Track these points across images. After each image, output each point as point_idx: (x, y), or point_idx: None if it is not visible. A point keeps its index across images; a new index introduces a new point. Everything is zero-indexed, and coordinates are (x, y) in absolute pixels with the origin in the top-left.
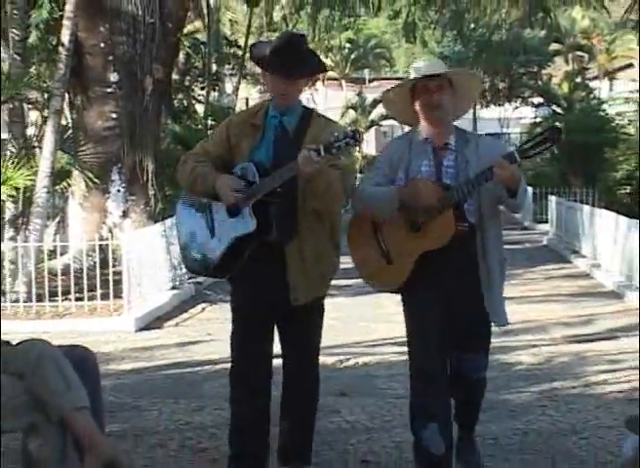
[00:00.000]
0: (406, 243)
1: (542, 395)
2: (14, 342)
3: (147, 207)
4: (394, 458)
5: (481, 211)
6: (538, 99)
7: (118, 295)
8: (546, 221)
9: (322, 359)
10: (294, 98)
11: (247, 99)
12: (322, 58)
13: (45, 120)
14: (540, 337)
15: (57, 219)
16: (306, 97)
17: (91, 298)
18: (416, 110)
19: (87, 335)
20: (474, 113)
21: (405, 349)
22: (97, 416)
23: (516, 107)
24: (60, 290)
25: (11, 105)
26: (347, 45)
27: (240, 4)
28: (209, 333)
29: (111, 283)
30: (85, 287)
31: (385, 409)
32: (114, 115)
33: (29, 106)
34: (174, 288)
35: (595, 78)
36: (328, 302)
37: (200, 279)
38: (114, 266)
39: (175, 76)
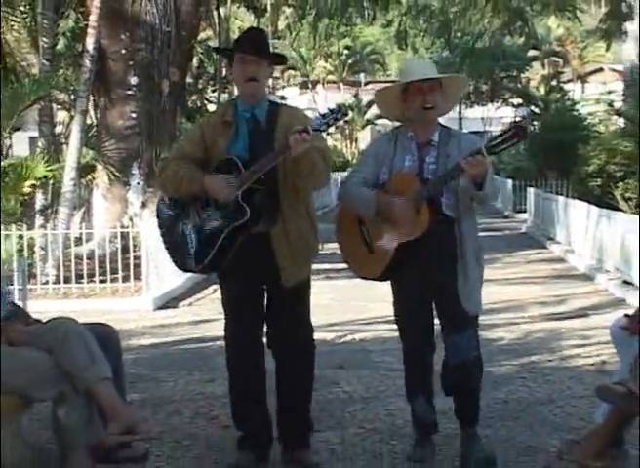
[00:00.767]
0: (386, 233)
1: (521, 368)
2: (44, 320)
3: None
4: (388, 425)
5: (458, 204)
6: (517, 100)
7: (138, 278)
8: (525, 211)
9: (322, 335)
10: (261, 87)
11: None
12: (321, 62)
13: (72, 119)
14: (519, 315)
15: (82, 209)
16: (308, 98)
17: (113, 280)
18: (404, 107)
19: (110, 314)
20: (459, 112)
21: (396, 326)
22: (118, 387)
23: (498, 107)
24: (85, 273)
25: (40, 105)
26: (345, 51)
27: (248, 14)
28: (220, 312)
29: (132, 266)
30: (108, 270)
31: (379, 380)
32: (134, 115)
33: (58, 107)
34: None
35: (569, 81)
36: (326, 284)
37: None
38: (134, 251)
39: (189, 79)
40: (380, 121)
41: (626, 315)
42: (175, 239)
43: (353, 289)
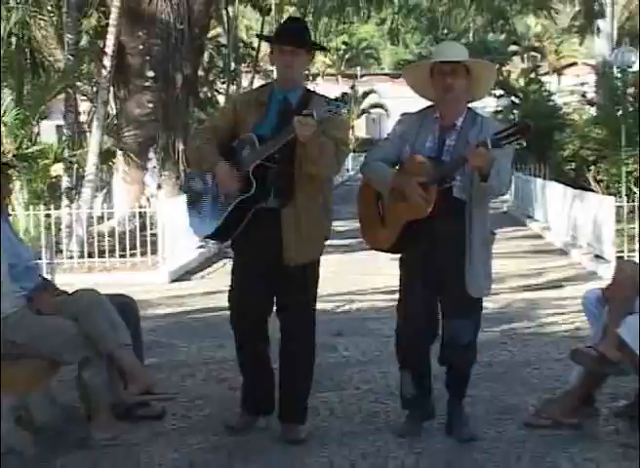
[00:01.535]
0: (397, 210)
1: (503, 334)
2: (69, 292)
3: (178, 180)
4: (382, 386)
5: (471, 189)
6: (499, 92)
7: (154, 253)
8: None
9: (322, 305)
10: (298, 73)
11: None
12: (321, 57)
13: (94, 109)
14: (501, 287)
15: (104, 191)
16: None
17: (132, 255)
18: (433, 89)
19: (129, 286)
20: None
21: (391, 297)
22: (137, 352)
23: (481, 98)
24: (107, 248)
25: (65, 96)
26: (342, 46)
27: (254, 13)
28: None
29: (149, 243)
30: (127, 246)
31: (374, 346)
32: (150, 105)
33: (81, 98)
34: (200, 247)
35: (546, 74)
36: (326, 258)
37: None
38: (151, 229)
39: (200, 72)
40: (374, 110)
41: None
42: (195, 207)
43: (350, 263)
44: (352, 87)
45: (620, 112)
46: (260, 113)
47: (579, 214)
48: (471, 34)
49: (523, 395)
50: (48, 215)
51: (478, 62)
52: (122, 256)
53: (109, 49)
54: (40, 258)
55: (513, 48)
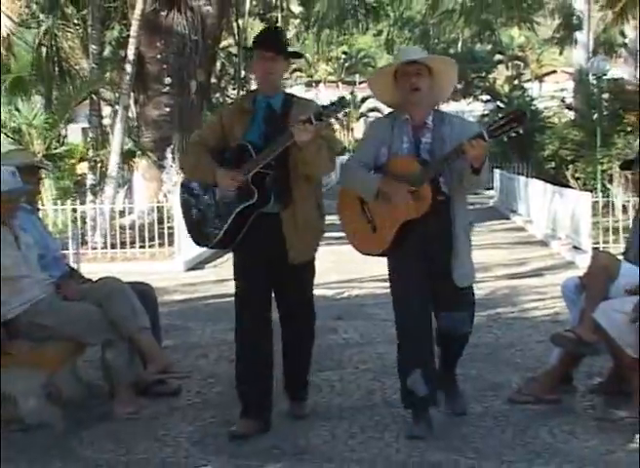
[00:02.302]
0: (389, 213)
1: (489, 318)
2: (94, 280)
3: None
4: (378, 365)
5: (454, 184)
6: (486, 97)
7: (171, 244)
8: (492, 188)
9: (323, 292)
10: (278, 79)
11: None
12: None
13: (116, 113)
14: (487, 275)
15: (125, 187)
16: (312, 95)
17: (151, 246)
18: (398, 92)
19: (148, 275)
20: (437, 106)
21: (386, 284)
22: (155, 334)
23: (469, 103)
24: (128, 240)
25: (89, 101)
26: (343, 56)
27: (262, 25)
28: None
29: (166, 235)
30: (146, 238)
31: (372, 328)
32: (167, 109)
33: (104, 102)
34: None
35: (528, 81)
36: (328, 249)
37: None
38: (168, 222)
39: (213, 79)
40: (372, 113)
41: (579, 277)
42: (192, 217)
43: (350, 253)
44: (352, 92)
45: (596, 116)
46: (247, 121)
47: (558, 208)
48: (460, 44)
49: (507, 374)
50: (74, 210)
51: (437, 58)
52: (141, 247)
53: (130, 58)
54: (67, 249)
55: (498, 57)
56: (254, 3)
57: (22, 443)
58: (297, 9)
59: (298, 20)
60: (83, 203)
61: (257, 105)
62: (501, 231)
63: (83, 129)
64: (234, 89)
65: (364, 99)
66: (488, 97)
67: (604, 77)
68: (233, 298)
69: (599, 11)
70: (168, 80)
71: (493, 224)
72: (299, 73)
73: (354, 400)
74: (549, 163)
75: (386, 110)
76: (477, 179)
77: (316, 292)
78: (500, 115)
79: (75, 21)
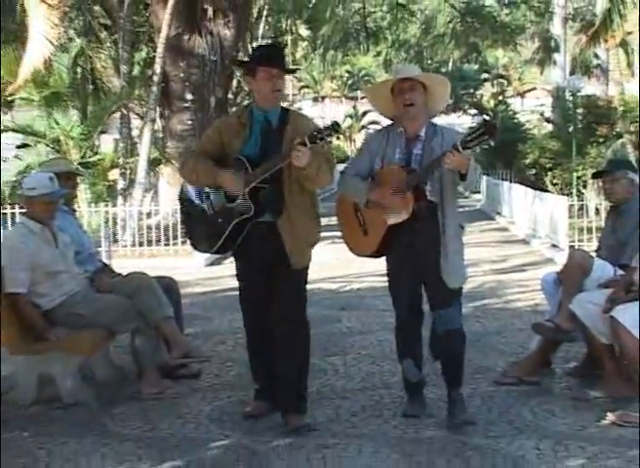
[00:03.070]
0: (376, 218)
1: (476, 309)
2: (124, 274)
3: None
4: (377, 351)
5: (442, 191)
6: (473, 111)
7: None
8: (479, 192)
9: (328, 285)
10: (281, 95)
11: None
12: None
13: (144, 125)
14: (474, 270)
15: (151, 191)
16: (318, 109)
17: (174, 244)
18: (394, 106)
19: (172, 270)
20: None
21: (385, 279)
22: (178, 323)
23: (459, 116)
24: (154, 239)
25: (120, 115)
26: (346, 74)
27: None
28: None
29: None
30: (170, 236)
31: (372, 318)
32: (190, 122)
33: (133, 116)
34: None
35: (512, 96)
36: (332, 247)
37: None
38: None
39: (229, 95)
40: (372, 126)
41: (557, 272)
42: (191, 224)
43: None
44: (354, 107)
45: (571, 128)
46: (244, 134)
47: (538, 210)
48: (450, 64)
49: (493, 358)
50: (106, 212)
51: (430, 76)
52: (166, 245)
53: (156, 76)
54: (100, 247)
55: (484, 75)
56: (266, 27)
57: (61, 419)
58: (304, 32)
59: (305, 43)
60: (114, 205)
61: (253, 119)
62: (488, 231)
63: (114, 139)
64: (249, 103)
65: (365, 113)
66: (475, 111)
67: (579, 94)
68: None
69: (574, 35)
70: (190, 96)
71: (480, 225)
72: (306, 89)
73: (356, 382)
74: (530, 170)
75: (385, 122)
76: (465, 183)
77: (322, 285)
78: (473, 127)
79: (107, 44)
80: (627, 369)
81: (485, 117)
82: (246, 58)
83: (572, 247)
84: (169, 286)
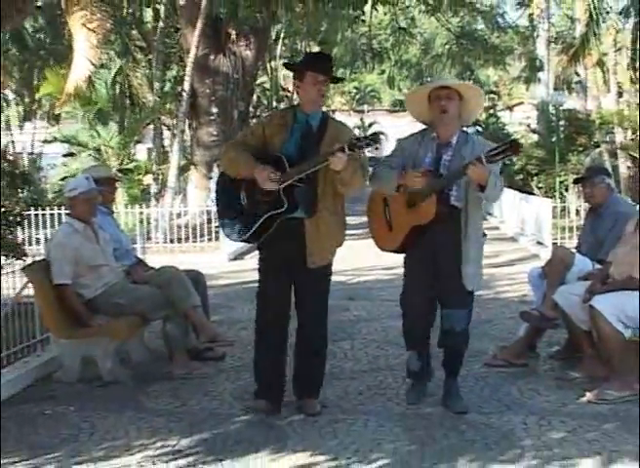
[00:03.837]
0: (402, 216)
1: None
2: (156, 268)
3: None
4: (382, 336)
5: (467, 198)
6: None
7: (217, 240)
8: None
9: (338, 278)
10: (323, 101)
11: None
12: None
13: (174, 136)
14: None
15: (181, 195)
16: None
17: (201, 241)
18: (430, 113)
19: (199, 264)
20: None
21: (390, 272)
22: (205, 311)
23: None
24: (183, 236)
25: (152, 126)
26: (354, 90)
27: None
28: None
29: (213, 232)
30: (198, 235)
31: (377, 307)
32: (215, 133)
33: (165, 128)
34: None
35: (501, 110)
36: (344, 244)
37: None
38: (215, 222)
39: (251, 109)
40: None
41: (542, 267)
42: (225, 210)
43: (362, 247)
44: (361, 119)
45: (554, 138)
46: (285, 133)
47: (525, 211)
48: None
49: (485, 343)
50: (141, 213)
51: (465, 85)
52: (194, 242)
53: (185, 92)
54: (135, 244)
55: None
56: (283, 48)
57: (102, 396)
58: None
59: None
60: (148, 207)
61: (296, 120)
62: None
63: (148, 148)
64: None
65: (370, 125)
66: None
67: (561, 108)
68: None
69: (556, 56)
70: (215, 110)
71: None
72: None
73: (362, 364)
74: (518, 175)
75: (390, 134)
76: (484, 196)
77: (332, 278)
78: (500, 143)
79: (143, 64)
80: (603, 352)
81: (478, 128)
82: (296, 63)
83: (555, 244)
84: (196, 278)
